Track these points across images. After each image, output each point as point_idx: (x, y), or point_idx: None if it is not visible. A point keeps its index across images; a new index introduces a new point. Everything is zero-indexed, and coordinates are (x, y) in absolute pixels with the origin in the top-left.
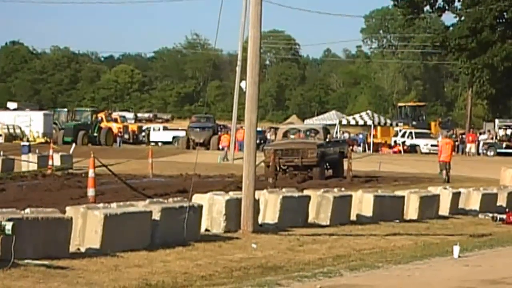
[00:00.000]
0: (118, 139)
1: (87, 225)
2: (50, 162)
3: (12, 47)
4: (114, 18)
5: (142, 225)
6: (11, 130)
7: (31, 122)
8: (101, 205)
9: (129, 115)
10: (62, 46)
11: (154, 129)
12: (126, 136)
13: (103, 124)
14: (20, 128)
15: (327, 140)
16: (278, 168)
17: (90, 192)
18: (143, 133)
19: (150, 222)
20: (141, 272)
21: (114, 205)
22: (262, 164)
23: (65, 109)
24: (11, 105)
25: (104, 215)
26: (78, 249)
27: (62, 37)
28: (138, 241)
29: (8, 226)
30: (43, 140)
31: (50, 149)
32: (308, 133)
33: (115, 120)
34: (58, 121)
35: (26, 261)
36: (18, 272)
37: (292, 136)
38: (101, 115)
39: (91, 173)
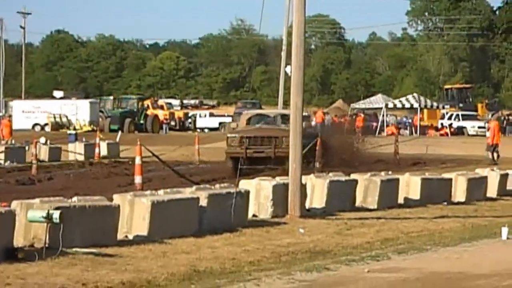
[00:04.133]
0: (164, 126)
1: (134, 213)
2: (96, 150)
3: (57, 36)
4: (159, 5)
5: (190, 212)
6: (58, 119)
7: (78, 111)
8: (148, 192)
9: (175, 102)
10: (107, 34)
11: (200, 116)
12: (172, 123)
13: (149, 112)
14: (67, 117)
15: (303, 127)
16: (243, 161)
17: (137, 179)
18: (189, 120)
19: (197, 209)
20: (189, 258)
21: (161, 192)
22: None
23: (111, 97)
24: (57, 94)
25: (151, 202)
26: (126, 236)
27: (107, 25)
28: (185, 228)
29: (56, 214)
30: (89, 129)
31: (96, 137)
32: (278, 119)
33: (161, 107)
34: (104, 109)
35: (74, 249)
36: (66, 260)
37: (257, 125)
38: (147, 102)
39: (138, 161)
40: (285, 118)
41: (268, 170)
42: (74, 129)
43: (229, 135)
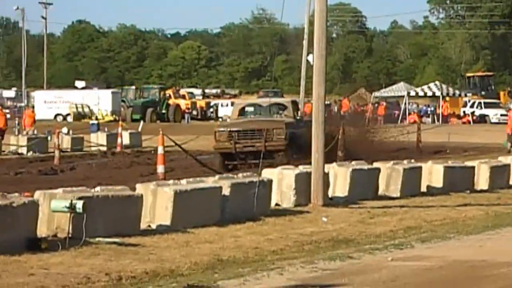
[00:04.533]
0: (186, 116)
1: (157, 202)
2: (119, 140)
3: (79, 26)
4: None
5: (212, 201)
6: (80, 109)
7: (99, 101)
8: (171, 181)
9: (197, 91)
10: (128, 24)
11: (222, 105)
12: (194, 112)
13: (171, 101)
14: (89, 107)
15: (299, 117)
16: (234, 156)
17: (160, 169)
18: (211, 109)
19: (220, 198)
20: (212, 247)
21: (184, 181)
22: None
23: (133, 87)
24: (79, 84)
25: (174, 192)
26: (149, 226)
27: (129, 14)
28: (208, 217)
29: (79, 204)
30: (111, 118)
31: (119, 127)
32: (272, 109)
33: (183, 97)
34: (126, 99)
35: (97, 239)
36: (90, 250)
37: (249, 116)
38: (169, 92)
39: (160, 150)
40: (279, 107)
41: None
42: (96, 119)
43: (216, 129)
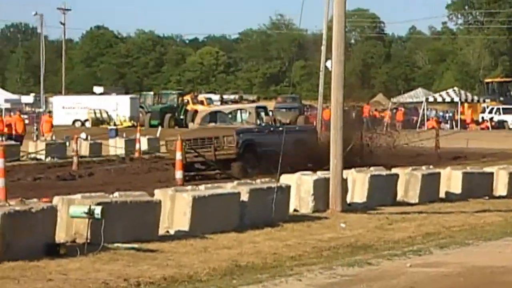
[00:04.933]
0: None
1: (175, 208)
2: (137, 146)
3: (97, 32)
4: (199, 0)
5: (231, 207)
6: (98, 115)
7: (118, 106)
8: (189, 187)
9: (215, 97)
10: (146, 30)
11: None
12: None
13: (189, 107)
14: (107, 112)
15: (263, 124)
16: (189, 167)
17: (178, 174)
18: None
19: (238, 204)
20: (231, 253)
21: (202, 187)
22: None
23: (151, 92)
24: (97, 89)
25: (192, 197)
26: (167, 231)
27: (147, 20)
28: (226, 223)
29: (98, 210)
30: (130, 124)
31: (137, 132)
32: (233, 115)
33: (201, 102)
34: (144, 105)
35: (115, 244)
36: (108, 256)
37: (210, 124)
38: (187, 97)
39: (178, 156)
40: (243, 113)
41: (209, 176)
42: (115, 124)
43: (166, 138)
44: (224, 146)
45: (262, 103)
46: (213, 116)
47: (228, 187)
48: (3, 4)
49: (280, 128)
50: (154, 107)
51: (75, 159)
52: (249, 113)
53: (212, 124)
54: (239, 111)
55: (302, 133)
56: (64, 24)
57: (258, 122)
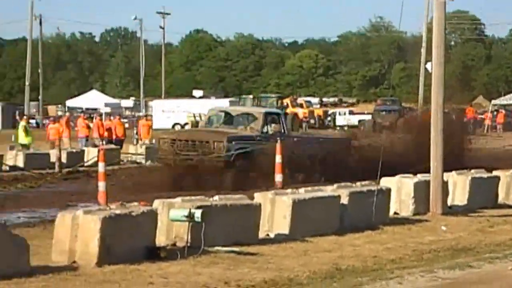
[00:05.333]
0: (303, 124)
1: (275, 211)
2: None
3: (196, 36)
4: (298, 4)
5: (331, 210)
6: (198, 118)
7: None
8: (289, 190)
9: (314, 100)
10: (246, 33)
11: (339, 114)
12: (312, 121)
13: (288, 110)
14: None
15: (271, 132)
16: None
17: (278, 177)
18: (329, 118)
19: (338, 207)
20: (331, 256)
21: (302, 190)
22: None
23: (251, 96)
24: (197, 93)
25: (292, 201)
26: (267, 234)
27: (246, 24)
28: (326, 226)
29: (198, 213)
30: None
31: None
32: (239, 119)
33: (301, 106)
34: None
35: (215, 248)
36: (208, 259)
37: (214, 125)
38: (286, 100)
39: (278, 159)
40: (249, 118)
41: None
42: None
43: (160, 136)
44: (212, 151)
45: (361, 106)
46: (219, 118)
47: (328, 190)
48: (103, 9)
49: (296, 139)
50: None
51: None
52: (256, 118)
53: (214, 126)
54: (246, 115)
55: (319, 143)
56: (163, 28)
57: (265, 129)
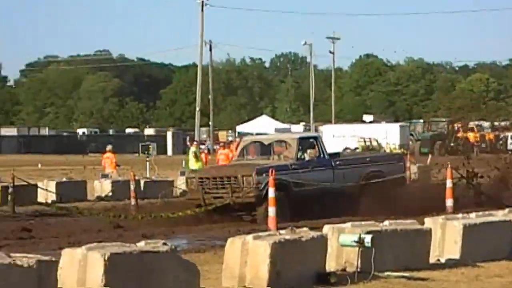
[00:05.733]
0: (475, 149)
1: (446, 236)
2: (407, 173)
3: (366, 60)
4: (467, 27)
5: (502, 234)
6: (368, 143)
7: (387, 134)
8: (460, 215)
9: (486, 124)
10: (416, 57)
11: (511, 137)
12: (483, 145)
13: (459, 134)
14: (377, 141)
15: (308, 159)
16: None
17: (449, 202)
18: (500, 142)
19: (510, 231)
20: (502, 282)
21: (473, 214)
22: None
23: (421, 120)
24: (367, 118)
25: (463, 225)
26: (438, 260)
27: (416, 48)
28: (497, 251)
29: (368, 238)
30: (399, 152)
31: (407, 160)
32: (272, 148)
33: (472, 130)
34: (414, 132)
35: (386, 273)
36: (379, 284)
37: (248, 156)
38: (457, 124)
39: (448, 184)
40: (283, 145)
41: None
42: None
43: (187, 175)
44: (242, 187)
45: None
46: (252, 148)
47: (499, 215)
48: (272, 34)
49: (338, 162)
50: (424, 135)
51: None
52: (290, 145)
53: (246, 159)
54: (279, 143)
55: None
56: (333, 53)
57: (300, 156)
